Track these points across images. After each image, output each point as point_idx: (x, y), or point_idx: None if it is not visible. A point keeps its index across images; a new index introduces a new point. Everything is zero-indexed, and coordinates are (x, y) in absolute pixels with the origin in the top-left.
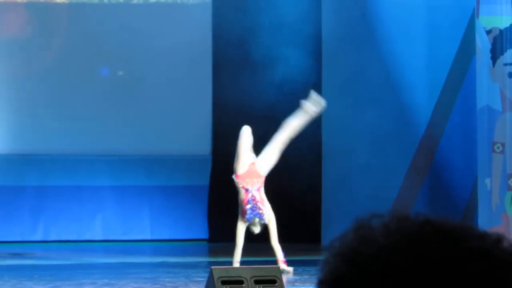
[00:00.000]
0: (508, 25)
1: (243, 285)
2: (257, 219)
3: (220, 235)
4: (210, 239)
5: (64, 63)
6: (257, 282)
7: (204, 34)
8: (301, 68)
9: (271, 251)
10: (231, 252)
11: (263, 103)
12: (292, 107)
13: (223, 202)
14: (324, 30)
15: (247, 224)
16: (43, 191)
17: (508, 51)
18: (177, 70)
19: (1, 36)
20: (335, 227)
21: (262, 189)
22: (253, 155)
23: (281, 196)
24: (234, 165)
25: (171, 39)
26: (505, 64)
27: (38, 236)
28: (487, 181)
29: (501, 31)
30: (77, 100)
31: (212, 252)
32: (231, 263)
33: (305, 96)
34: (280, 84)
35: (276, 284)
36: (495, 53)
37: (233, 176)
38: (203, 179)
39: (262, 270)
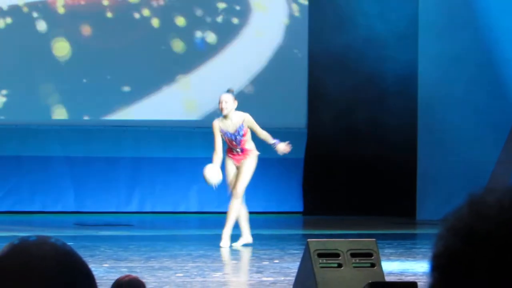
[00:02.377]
0: None
1: (339, 258)
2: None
3: (315, 208)
4: (305, 212)
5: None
6: (353, 255)
7: None
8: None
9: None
10: (326, 224)
11: (359, 80)
12: (385, 83)
13: (318, 175)
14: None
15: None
16: (139, 163)
17: None
18: (272, 42)
19: None
20: (430, 201)
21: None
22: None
23: (377, 170)
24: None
25: (271, 11)
26: None
27: (133, 207)
28: None
29: None
30: (175, 70)
31: (306, 225)
32: (326, 235)
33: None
34: (376, 60)
35: (372, 257)
36: None
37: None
38: (298, 152)
39: (359, 243)
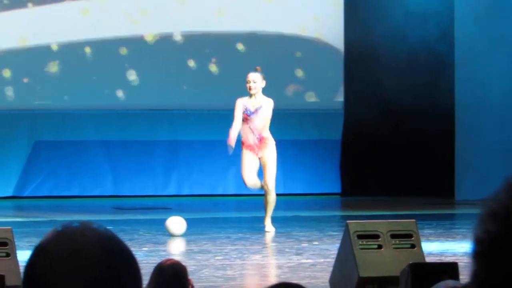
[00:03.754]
0: None
1: (379, 239)
2: None
3: (352, 189)
4: (343, 193)
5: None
6: (393, 236)
7: None
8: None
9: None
10: (364, 206)
11: (396, 60)
12: (422, 64)
13: (356, 156)
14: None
15: None
16: (176, 146)
17: None
18: (308, 24)
19: None
20: (468, 180)
21: None
22: None
23: (415, 150)
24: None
25: None
26: None
27: (171, 191)
28: None
29: None
30: (208, 56)
31: (344, 206)
32: (364, 217)
33: None
34: (414, 41)
35: (412, 238)
36: None
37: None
38: (336, 134)
39: (399, 224)
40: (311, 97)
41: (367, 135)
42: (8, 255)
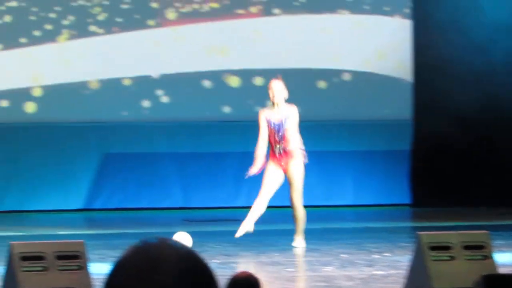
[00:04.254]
0: None
1: (452, 250)
2: None
3: (423, 200)
4: (413, 204)
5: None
6: (465, 247)
7: None
8: None
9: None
10: (435, 216)
11: (466, 65)
12: (495, 69)
13: (425, 167)
14: None
15: None
16: (246, 157)
17: None
18: (377, 31)
19: None
20: None
21: None
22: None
23: (486, 160)
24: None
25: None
26: None
27: (241, 202)
28: None
29: None
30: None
31: (415, 217)
32: (435, 228)
33: None
34: (484, 46)
35: (484, 250)
36: None
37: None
38: (404, 144)
39: (471, 236)
40: (380, 109)
41: (438, 146)
42: (80, 268)
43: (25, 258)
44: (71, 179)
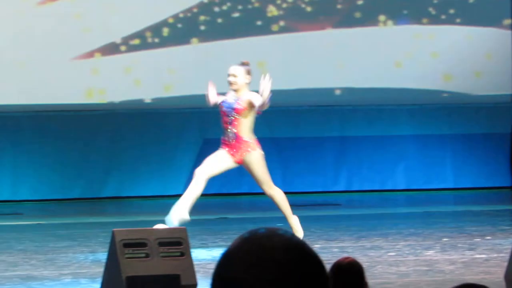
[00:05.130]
0: None
1: None
2: None
3: None
4: None
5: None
6: None
7: None
8: None
9: None
10: None
11: None
12: None
13: None
14: None
15: None
16: (345, 142)
17: None
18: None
19: None
20: None
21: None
22: None
23: None
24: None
25: None
26: None
27: (340, 186)
28: None
29: None
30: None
31: None
32: None
33: None
34: None
35: None
36: None
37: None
38: (505, 127)
39: None
40: (480, 91)
41: None
42: (182, 254)
43: (127, 245)
44: (171, 164)
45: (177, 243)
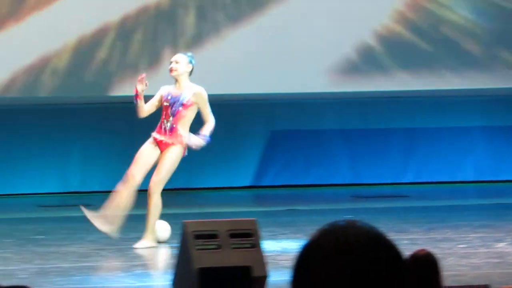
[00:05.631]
0: None
1: None
2: None
3: None
4: None
5: None
6: None
7: None
8: None
9: None
10: None
11: None
12: None
13: None
14: None
15: None
16: (413, 133)
17: None
18: None
19: None
20: None
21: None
22: None
23: None
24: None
25: None
26: None
27: (409, 178)
28: None
29: None
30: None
31: None
32: None
33: None
34: None
35: None
36: None
37: None
38: None
39: None
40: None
41: None
42: (253, 245)
43: (198, 237)
44: (238, 156)
45: (248, 234)
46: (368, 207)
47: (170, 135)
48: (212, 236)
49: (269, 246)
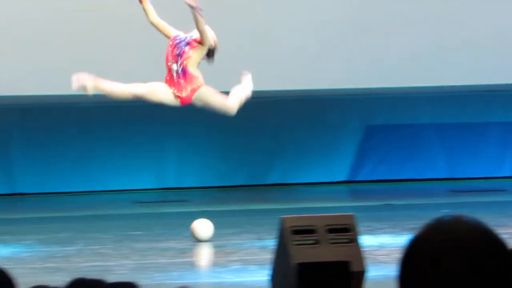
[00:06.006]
0: None
1: None
2: None
3: None
4: None
5: None
6: None
7: None
8: None
9: None
10: None
11: None
12: None
13: None
14: None
15: None
16: (510, 127)
17: None
18: None
19: None
20: None
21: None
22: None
23: None
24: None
25: None
26: None
27: (506, 172)
28: None
29: None
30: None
31: None
32: None
33: None
34: None
35: None
36: None
37: None
38: None
39: None
40: None
41: None
42: (351, 241)
43: (296, 232)
44: (334, 151)
45: (345, 229)
46: (465, 201)
47: (185, 79)
48: (310, 231)
49: (366, 241)
